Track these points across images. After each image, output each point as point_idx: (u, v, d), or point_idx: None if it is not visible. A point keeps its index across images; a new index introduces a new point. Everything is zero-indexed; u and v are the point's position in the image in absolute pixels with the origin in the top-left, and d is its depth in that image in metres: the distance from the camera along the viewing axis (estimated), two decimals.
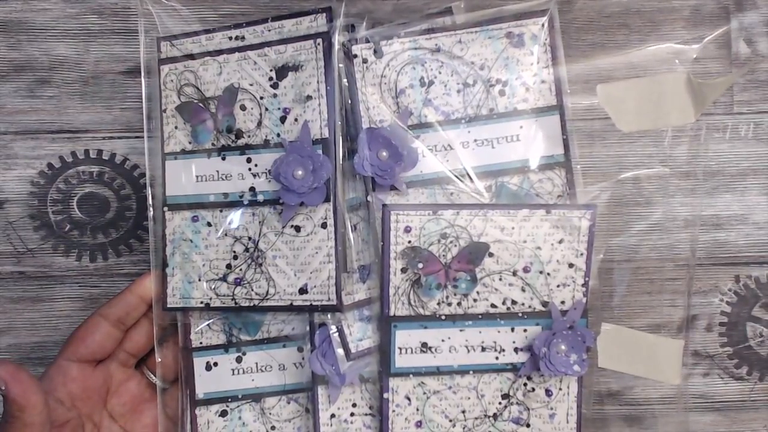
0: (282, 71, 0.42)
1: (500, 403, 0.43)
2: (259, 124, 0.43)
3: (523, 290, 0.42)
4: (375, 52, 0.42)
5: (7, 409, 0.36)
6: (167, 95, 0.44)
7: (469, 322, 0.42)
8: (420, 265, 0.41)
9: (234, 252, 0.43)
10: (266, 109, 0.43)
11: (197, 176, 0.44)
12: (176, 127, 0.44)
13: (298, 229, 0.42)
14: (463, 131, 0.43)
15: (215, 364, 0.44)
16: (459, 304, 0.42)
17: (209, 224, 0.43)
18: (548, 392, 0.43)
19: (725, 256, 0.50)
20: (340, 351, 0.42)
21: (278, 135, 0.42)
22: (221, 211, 0.43)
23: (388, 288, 0.42)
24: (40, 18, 0.49)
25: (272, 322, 0.44)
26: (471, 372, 0.42)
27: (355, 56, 0.42)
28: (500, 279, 0.42)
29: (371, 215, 0.42)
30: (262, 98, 0.43)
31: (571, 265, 0.42)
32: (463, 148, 0.42)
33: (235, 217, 0.43)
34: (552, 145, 0.42)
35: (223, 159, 0.43)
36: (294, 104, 0.42)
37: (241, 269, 0.43)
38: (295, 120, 0.42)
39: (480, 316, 0.42)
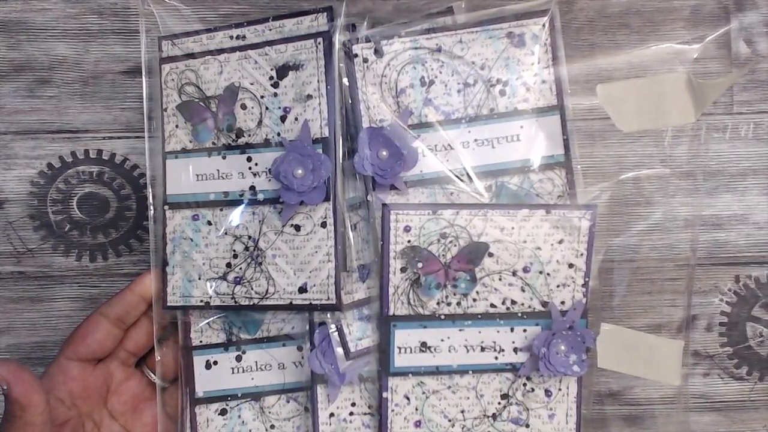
0: (282, 70, 0.42)
1: (499, 403, 0.43)
2: (260, 123, 0.43)
3: (523, 290, 0.42)
4: (375, 51, 0.42)
5: (9, 409, 0.36)
6: (168, 94, 0.44)
7: (468, 321, 0.42)
8: (419, 265, 0.41)
9: (234, 251, 0.43)
10: (267, 108, 0.43)
11: (198, 175, 0.44)
12: (177, 126, 0.44)
13: (297, 228, 0.42)
14: (464, 131, 0.43)
15: (215, 362, 0.44)
16: (458, 303, 0.42)
17: (209, 223, 0.43)
18: (548, 392, 0.43)
19: (725, 256, 0.50)
20: (339, 350, 0.42)
21: (278, 134, 0.42)
22: (221, 209, 0.43)
23: (388, 287, 0.42)
24: (40, 18, 0.49)
25: (272, 321, 0.44)
26: (470, 372, 0.42)
27: (356, 56, 0.42)
28: (500, 279, 0.42)
29: (371, 214, 0.42)
30: (262, 97, 0.43)
31: (571, 266, 0.42)
32: (463, 148, 0.42)
33: (236, 216, 0.43)
34: (552, 145, 0.42)
35: (224, 158, 0.43)
36: (294, 103, 0.42)
37: (241, 268, 0.43)
38: (296, 119, 0.42)
39: (479, 316, 0.42)
